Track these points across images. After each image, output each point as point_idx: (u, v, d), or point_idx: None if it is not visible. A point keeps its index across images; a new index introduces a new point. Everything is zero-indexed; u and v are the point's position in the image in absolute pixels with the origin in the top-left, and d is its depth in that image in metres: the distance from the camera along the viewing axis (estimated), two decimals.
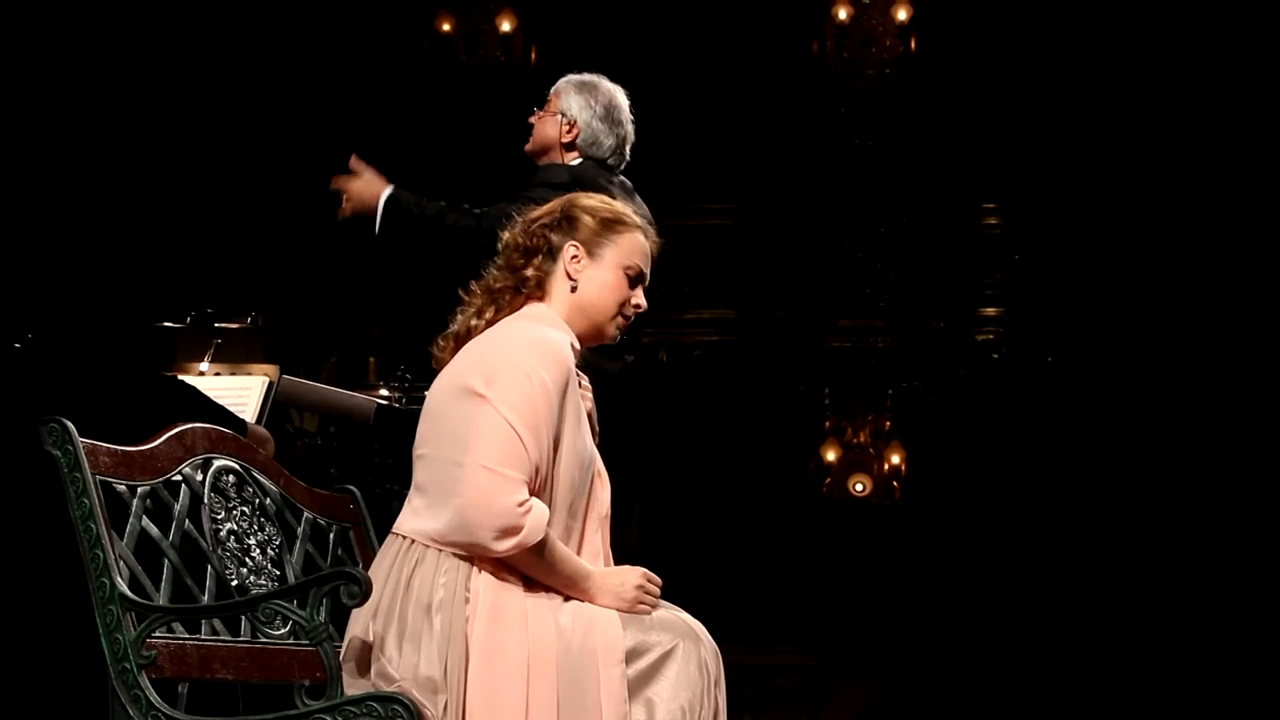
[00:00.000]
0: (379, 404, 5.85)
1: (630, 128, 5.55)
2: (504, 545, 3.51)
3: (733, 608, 9.45)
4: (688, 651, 3.60)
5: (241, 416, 4.60)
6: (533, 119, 5.56)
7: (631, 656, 3.57)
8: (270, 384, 5.34)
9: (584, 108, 5.50)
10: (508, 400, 3.55)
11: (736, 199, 11.53)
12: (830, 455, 11.16)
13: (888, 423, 11.25)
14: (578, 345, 3.75)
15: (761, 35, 11.50)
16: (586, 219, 3.78)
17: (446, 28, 11.55)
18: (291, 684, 3.47)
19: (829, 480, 11.12)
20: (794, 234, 11.50)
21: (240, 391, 5.30)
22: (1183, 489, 10.39)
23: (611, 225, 3.79)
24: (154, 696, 3.36)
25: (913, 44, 11.46)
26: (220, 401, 5.13)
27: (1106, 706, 9.92)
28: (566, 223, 3.77)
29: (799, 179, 11.47)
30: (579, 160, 5.47)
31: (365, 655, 3.52)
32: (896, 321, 11.37)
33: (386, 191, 5.48)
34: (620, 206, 3.86)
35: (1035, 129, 11.18)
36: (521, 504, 3.51)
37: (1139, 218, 11.04)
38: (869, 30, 11.46)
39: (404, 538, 3.59)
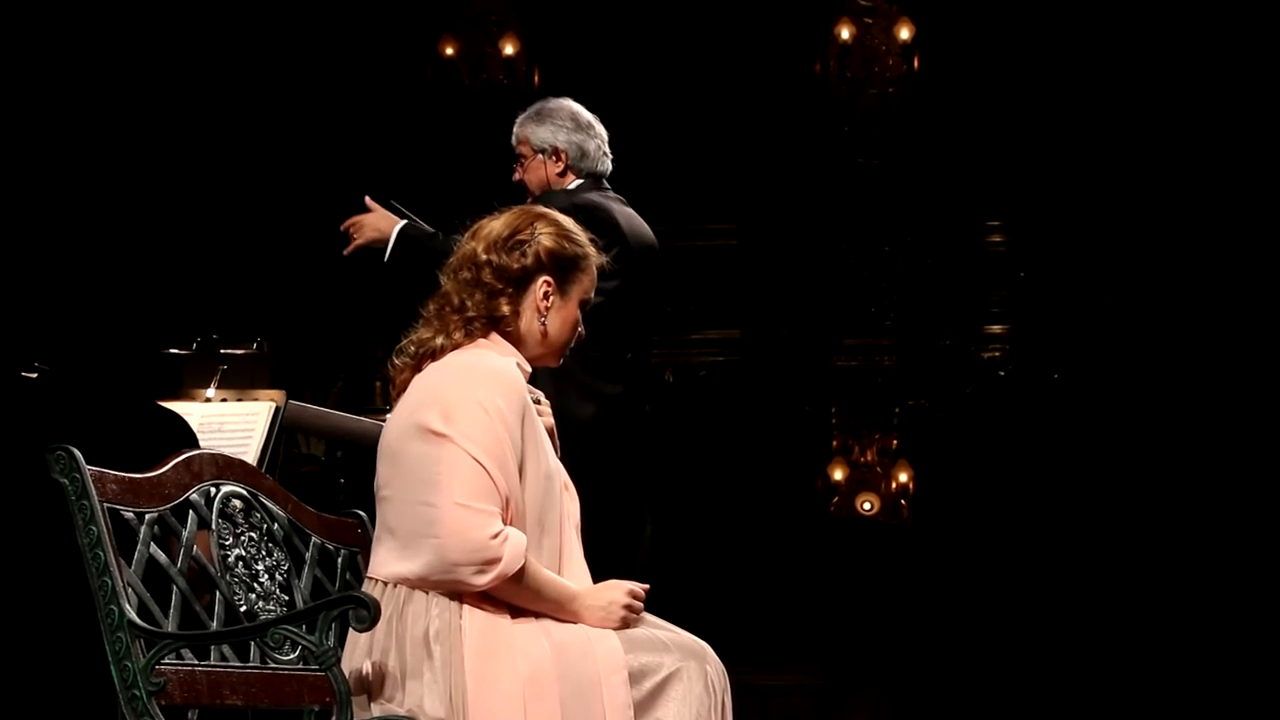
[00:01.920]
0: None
1: (601, 127, 5.53)
2: (485, 578, 3.51)
3: (741, 628, 9.45)
4: (694, 671, 3.60)
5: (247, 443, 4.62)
6: (516, 176, 5.55)
7: (638, 678, 3.57)
8: (277, 409, 5.33)
9: (555, 130, 5.47)
10: (469, 435, 3.54)
11: (741, 219, 11.54)
12: (837, 474, 11.16)
13: (894, 441, 11.24)
14: (527, 367, 3.74)
15: (764, 55, 11.51)
16: (559, 250, 3.74)
17: (450, 51, 11.56)
18: (301, 709, 3.47)
19: (836, 499, 11.12)
20: (798, 253, 11.51)
21: (247, 417, 5.29)
22: (1190, 503, 10.39)
23: (578, 261, 3.77)
24: None
25: (915, 63, 11.47)
26: (228, 427, 5.14)
27: (1117, 716, 9.91)
28: (540, 250, 3.72)
29: (803, 198, 11.48)
30: (577, 183, 5.47)
31: (364, 693, 3.53)
32: (902, 340, 11.38)
33: (401, 223, 5.48)
34: (582, 235, 3.82)
35: (1039, 146, 11.19)
36: (496, 535, 3.51)
37: (1143, 233, 11.04)
38: (872, 49, 11.48)
39: (384, 583, 3.59)
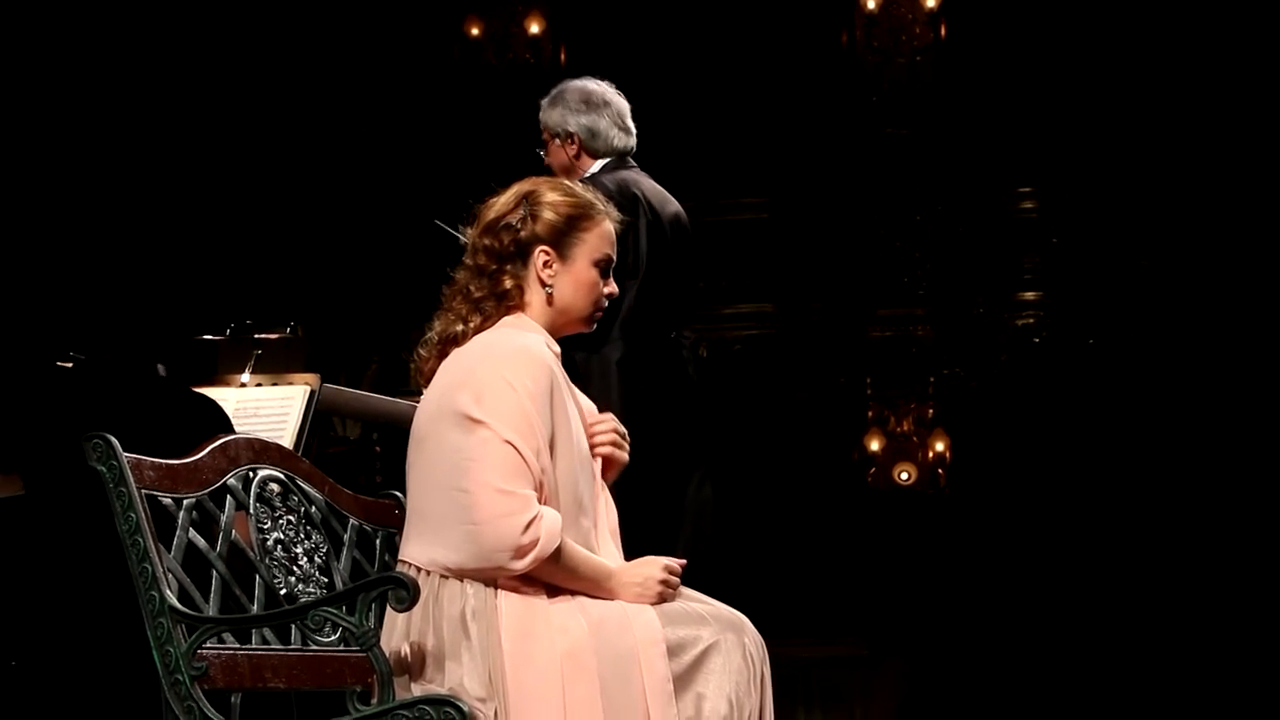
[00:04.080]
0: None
1: (617, 100, 5.49)
2: (524, 562, 3.52)
3: (780, 600, 9.45)
4: (732, 643, 3.61)
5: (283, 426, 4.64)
6: (546, 161, 5.55)
7: (677, 651, 3.57)
8: (312, 393, 5.35)
9: (565, 114, 5.46)
10: (500, 417, 3.55)
11: (771, 192, 11.53)
12: (874, 445, 11.15)
13: (930, 411, 11.23)
14: (555, 347, 3.74)
15: (791, 28, 11.49)
16: (552, 218, 3.74)
17: (475, 32, 11.57)
18: (343, 690, 3.48)
19: (873, 470, 11.11)
20: (830, 225, 11.49)
21: (282, 401, 5.31)
22: (1227, 468, 10.35)
23: (578, 221, 3.76)
24: (207, 707, 3.38)
25: (943, 31, 11.43)
26: (263, 412, 5.16)
27: (1155, 689, 9.88)
28: (532, 223, 3.73)
29: (833, 170, 11.46)
30: (598, 166, 5.45)
31: (403, 674, 3.54)
32: (936, 309, 11.35)
33: None
34: (583, 194, 3.82)
35: (1069, 111, 11.15)
36: (533, 518, 3.52)
37: (1176, 196, 10.99)
38: (898, 19, 11.45)
39: (417, 567, 3.60)
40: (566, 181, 3.90)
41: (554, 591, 3.59)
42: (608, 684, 3.50)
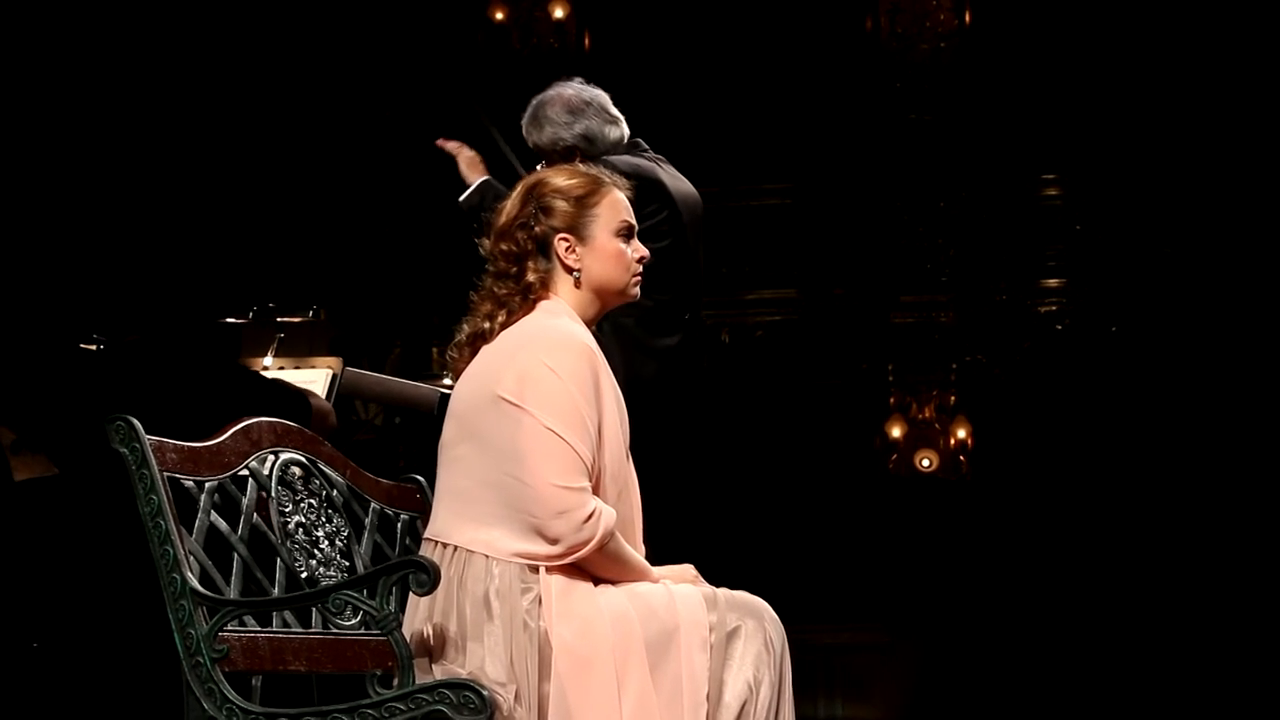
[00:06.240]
0: (442, 393, 5.87)
1: (595, 95, 5.36)
2: (580, 554, 3.56)
3: (801, 586, 9.46)
4: (752, 629, 3.64)
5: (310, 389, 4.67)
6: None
7: None
8: (334, 376, 5.37)
9: (556, 129, 5.31)
10: (547, 407, 3.57)
11: (794, 178, 11.51)
12: (896, 431, 11.14)
13: (952, 397, 11.21)
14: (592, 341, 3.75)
15: (814, 13, 11.47)
16: (561, 204, 3.74)
17: (500, 17, 11.56)
18: (363, 674, 3.50)
19: (895, 456, 11.10)
20: (853, 211, 11.48)
21: (305, 384, 5.34)
22: (1249, 456, 10.33)
23: (586, 200, 3.76)
24: (228, 689, 3.39)
25: (967, 17, 11.41)
26: None
27: (1180, 675, 9.87)
28: (544, 214, 3.74)
29: (856, 156, 11.44)
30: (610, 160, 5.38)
31: (425, 656, 3.55)
32: (959, 295, 11.34)
33: (486, 178, 5.52)
34: (586, 171, 3.83)
35: (1093, 98, 11.12)
36: (592, 513, 3.56)
37: (1199, 184, 10.96)
38: (922, 4, 11.42)
39: (443, 545, 3.61)
40: (566, 165, 3.91)
41: (597, 580, 3.64)
42: (653, 655, 3.53)
